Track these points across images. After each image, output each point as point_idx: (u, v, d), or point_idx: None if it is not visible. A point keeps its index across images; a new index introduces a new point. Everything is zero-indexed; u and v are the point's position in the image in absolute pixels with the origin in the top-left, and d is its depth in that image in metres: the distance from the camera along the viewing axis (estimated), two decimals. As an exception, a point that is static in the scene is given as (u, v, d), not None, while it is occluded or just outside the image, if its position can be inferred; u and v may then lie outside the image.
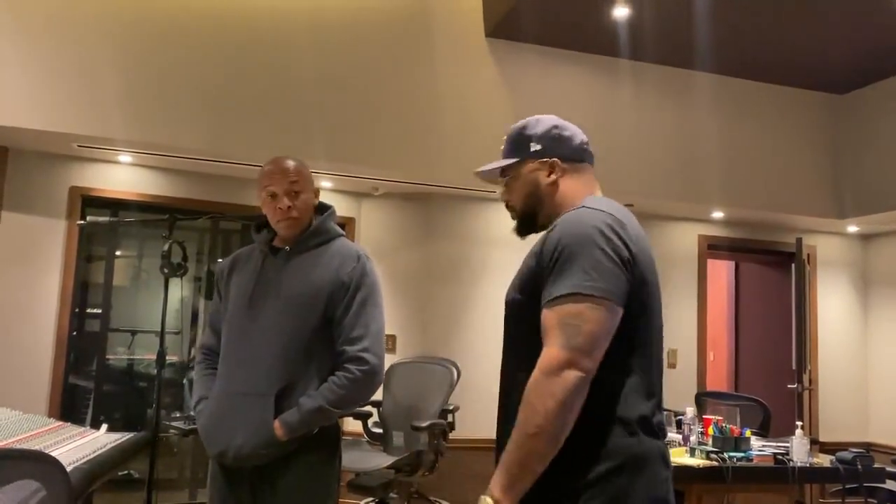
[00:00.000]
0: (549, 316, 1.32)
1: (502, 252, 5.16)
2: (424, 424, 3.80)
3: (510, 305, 1.50)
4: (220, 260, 2.10)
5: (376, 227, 5.17)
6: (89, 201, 4.56)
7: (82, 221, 4.36)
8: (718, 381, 6.38)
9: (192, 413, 2.12)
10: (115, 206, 4.73)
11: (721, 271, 6.65)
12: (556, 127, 1.58)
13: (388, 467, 3.79)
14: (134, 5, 4.06)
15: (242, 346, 2.01)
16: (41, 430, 2.18)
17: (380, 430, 4.31)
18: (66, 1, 3.94)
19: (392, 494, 3.96)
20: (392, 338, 5.00)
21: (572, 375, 1.25)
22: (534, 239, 1.57)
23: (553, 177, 1.54)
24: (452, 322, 5.07)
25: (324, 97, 4.34)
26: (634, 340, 1.37)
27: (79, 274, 4.50)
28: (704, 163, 5.13)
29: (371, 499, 4.22)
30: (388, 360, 4.68)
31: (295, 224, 2.07)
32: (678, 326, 5.62)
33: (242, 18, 4.25)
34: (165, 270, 3.14)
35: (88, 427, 2.42)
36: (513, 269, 1.72)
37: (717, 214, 5.60)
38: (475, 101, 4.65)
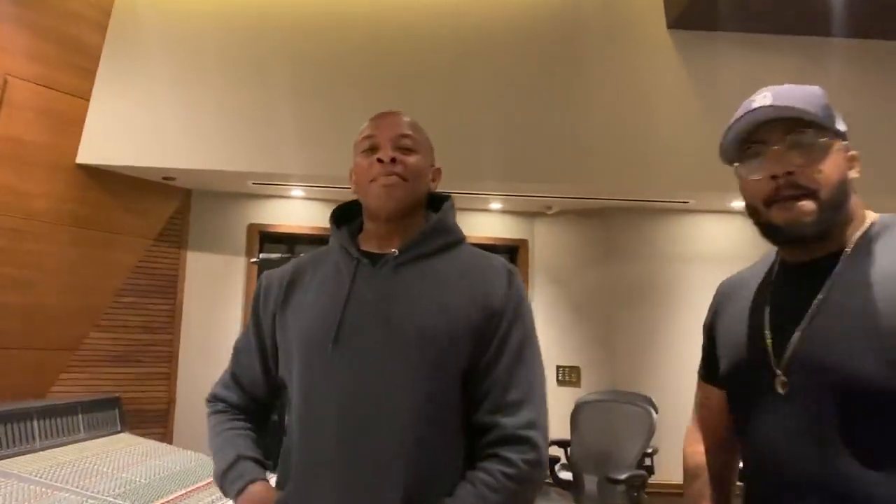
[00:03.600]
0: None
1: (696, 269, 4.56)
2: (622, 476, 3.32)
3: (869, 389, 0.95)
4: (265, 272, 1.44)
5: (551, 248, 4.80)
6: (266, 237, 4.63)
7: (255, 259, 4.41)
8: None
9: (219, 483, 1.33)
10: (290, 240, 4.78)
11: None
12: None
13: (580, 521, 3.36)
14: (302, 46, 4.05)
15: (331, 411, 1.21)
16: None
17: (568, 476, 3.88)
18: (237, 46, 4.01)
19: (585, 550, 3.52)
20: (576, 370, 4.56)
21: None
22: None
23: (855, 174, 1.09)
24: (642, 351, 4.54)
25: (491, 111, 4.06)
26: None
27: (258, 309, 4.56)
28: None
29: (561, 553, 3.79)
30: (574, 396, 4.24)
31: (399, 188, 1.27)
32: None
33: (407, 45, 4.10)
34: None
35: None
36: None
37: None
38: (658, 102, 4.13)
